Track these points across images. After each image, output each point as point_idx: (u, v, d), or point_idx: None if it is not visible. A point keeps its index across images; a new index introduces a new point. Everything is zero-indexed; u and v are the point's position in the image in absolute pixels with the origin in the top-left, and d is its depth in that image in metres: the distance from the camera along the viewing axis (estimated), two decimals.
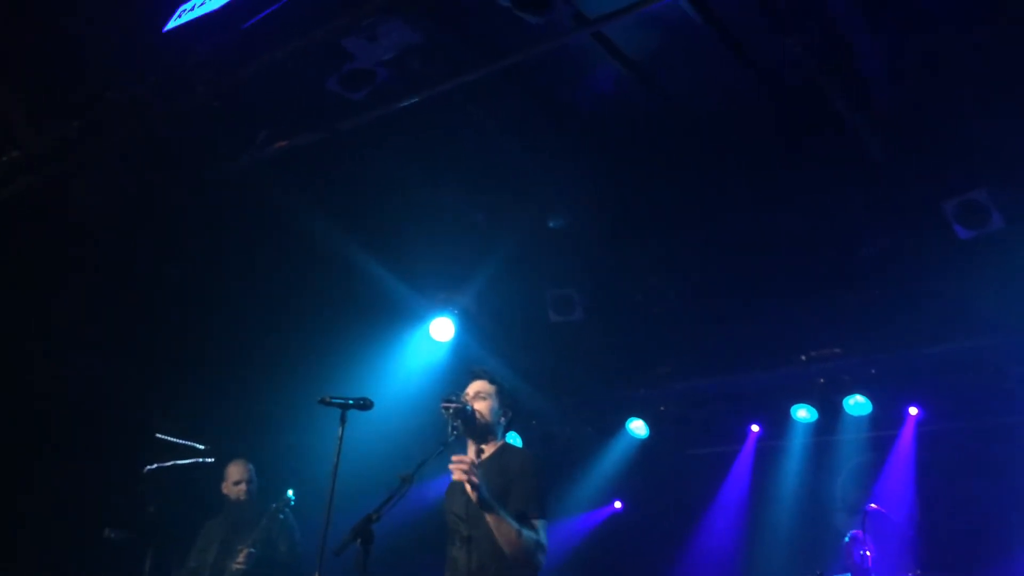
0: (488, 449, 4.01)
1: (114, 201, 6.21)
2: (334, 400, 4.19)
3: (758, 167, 6.21)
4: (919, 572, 6.08)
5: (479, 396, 4.02)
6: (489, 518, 3.65)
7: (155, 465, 7.29)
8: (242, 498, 5.69)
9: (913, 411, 7.76)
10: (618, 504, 9.27)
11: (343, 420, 4.15)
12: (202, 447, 7.35)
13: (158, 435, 7.67)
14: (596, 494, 9.00)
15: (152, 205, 6.34)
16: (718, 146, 6.07)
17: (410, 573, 5.42)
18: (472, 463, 3.62)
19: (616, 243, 7.19)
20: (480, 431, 3.99)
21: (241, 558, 5.33)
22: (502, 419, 4.06)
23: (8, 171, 5.73)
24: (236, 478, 5.74)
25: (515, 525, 3.64)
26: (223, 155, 6.08)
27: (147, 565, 8.16)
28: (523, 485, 3.82)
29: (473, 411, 3.95)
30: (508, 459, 3.94)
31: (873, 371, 7.53)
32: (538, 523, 3.79)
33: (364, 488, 4.45)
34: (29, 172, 5.71)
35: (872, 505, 6.76)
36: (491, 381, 4.10)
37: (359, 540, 3.51)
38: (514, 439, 8.44)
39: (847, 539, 6.82)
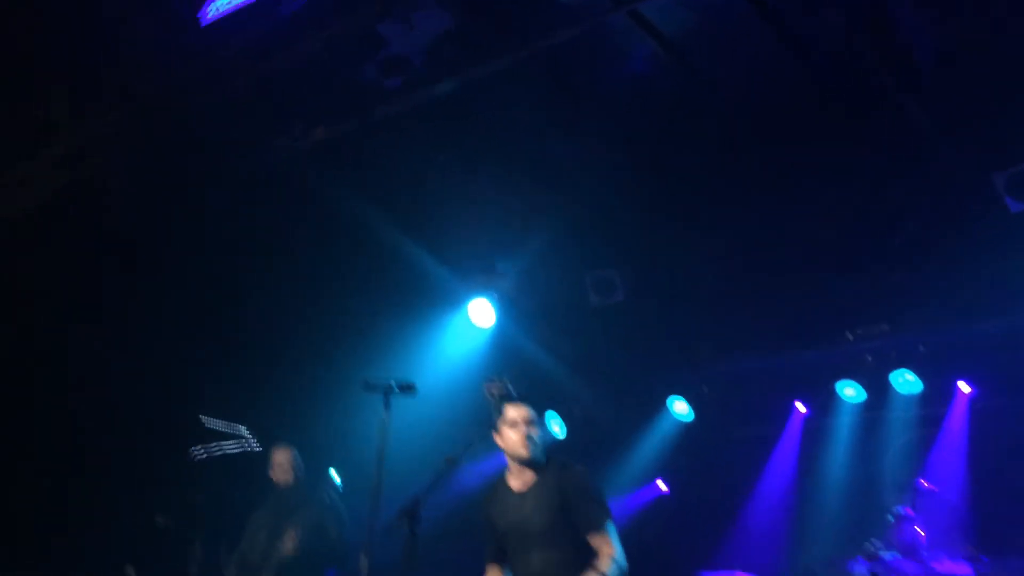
0: (534, 476, 4.01)
1: (154, 191, 6.27)
2: (377, 383, 4.20)
3: (803, 145, 6.12)
4: (972, 550, 5.97)
5: (533, 423, 4.01)
6: None
7: (203, 452, 7.40)
8: (289, 483, 5.74)
9: (965, 388, 7.61)
10: (663, 485, 9.23)
11: (387, 403, 4.17)
12: (247, 433, 7.45)
13: (203, 421, 7.79)
14: (641, 476, 8.97)
15: (192, 194, 6.41)
16: (761, 125, 5.99)
17: (456, 555, 5.43)
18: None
19: (657, 223, 7.13)
20: (536, 459, 3.99)
21: (290, 543, 5.39)
22: (542, 441, 4.08)
23: (51, 165, 5.82)
24: (281, 462, 5.80)
25: None
26: (261, 145, 6.12)
27: (197, 552, 8.31)
28: (584, 496, 3.87)
29: (534, 440, 3.96)
30: (559, 476, 3.96)
31: (922, 348, 7.40)
32: (608, 527, 3.84)
33: (407, 471, 4.47)
34: (70, 167, 5.80)
35: (922, 482, 6.66)
36: (534, 407, 4.08)
37: (407, 522, 3.53)
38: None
39: (895, 517, 6.73)
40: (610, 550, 3.73)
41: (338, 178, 6.51)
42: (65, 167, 5.84)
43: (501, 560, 4.01)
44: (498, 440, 3.98)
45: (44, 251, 6.50)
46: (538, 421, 4.02)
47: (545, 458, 4.04)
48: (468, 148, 6.33)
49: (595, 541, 3.77)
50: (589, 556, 3.78)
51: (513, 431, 3.94)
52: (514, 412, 3.99)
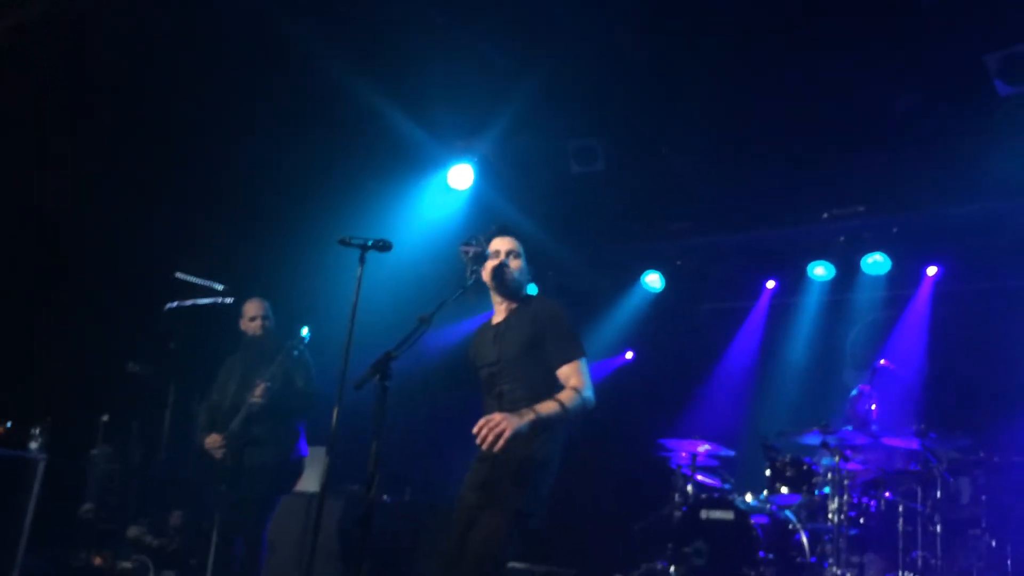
0: (514, 304, 4.02)
1: (125, 32, 6.04)
2: (354, 241, 4.18)
3: (791, 17, 5.95)
4: (922, 427, 6.20)
5: (513, 254, 3.98)
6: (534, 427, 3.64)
7: (176, 304, 7.42)
8: (258, 333, 5.78)
9: (932, 270, 7.75)
10: (629, 355, 9.43)
11: (362, 260, 4.16)
12: (221, 287, 7.45)
13: (178, 275, 7.77)
14: (609, 345, 9.15)
15: (166, 39, 6.18)
16: None
17: (425, 411, 5.58)
18: (493, 423, 3.50)
19: (641, 93, 7.00)
20: (513, 289, 3.99)
21: (259, 392, 5.47)
22: (527, 277, 4.06)
23: None
24: (252, 314, 5.82)
25: (555, 407, 3.64)
26: None
27: (170, 398, 8.43)
28: (557, 331, 3.85)
29: (507, 267, 3.93)
30: (536, 308, 3.95)
31: (895, 230, 7.47)
32: (580, 362, 3.83)
33: (382, 329, 4.50)
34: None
35: (882, 361, 6.85)
36: (520, 239, 4.05)
37: (378, 376, 3.57)
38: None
39: (853, 393, 6.94)
40: (577, 382, 3.75)
41: (318, 32, 6.29)
42: None
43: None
44: (483, 276, 3.98)
45: (16, 85, 6.29)
46: (520, 254, 4.00)
47: (523, 293, 4.03)
48: (452, 1, 6.11)
49: (563, 373, 3.79)
50: (553, 393, 3.80)
51: (491, 261, 3.95)
52: (496, 243, 4.00)
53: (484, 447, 3.49)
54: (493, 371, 3.91)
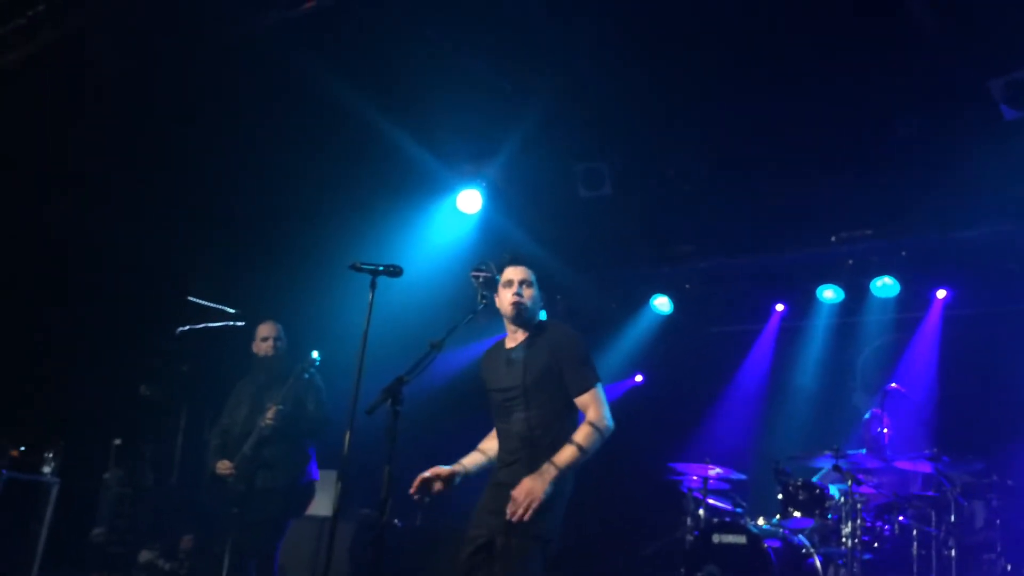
0: (528, 331, 4.05)
1: (133, 60, 6.13)
2: (365, 266, 4.23)
3: (798, 43, 6.00)
4: (935, 451, 6.18)
5: (526, 284, 4.02)
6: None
7: (188, 327, 7.48)
8: (270, 354, 5.82)
9: (941, 294, 7.75)
10: (639, 377, 9.43)
11: (373, 286, 4.20)
12: (233, 311, 7.51)
13: (190, 298, 7.84)
14: (619, 368, 9.16)
15: (173, 67, 6.27)
16: (756, 20, 5.85)
17: (437, 435, 5.59)
18: (520, 498, 3.64)
19: (648, 117, 7.05)
20: (527, 318, 4.02)
21: (270, 415, 5.50)
22: (540, 305, 4.09)
23: (33, 26, 5.67)
24: (265, 335, 5.88)
25: (575, 454, 3.73)
26: (244, 14, 5.96)
27: (181, 422, 8.47)
28: (574, 359, 3.90)
29: (522, 298, 3.96)
30: (552, 336, 3.99)
31: (904, 253, 7.48)
32: (597, 388, 3.89)
33: (393, 355, 4.54)
34: (52, 26, 5.65)
35: (892, 384, 6.83)
36: (532, 267, 4.09)
37: (389, 401, 3.61)
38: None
39: (867, 416, 6.93)
40: (595, 413, 3.81)
41: (326, 57, 6.37)
42: (46, 28, 5.70)
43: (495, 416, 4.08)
44: (497, 302, 4.02)
45: (30, 108, 6.38)
46: (532, 283, 4.03)
47: (538, 320, 4.07)
48: (456, 27, 6.18)
49: (582, 402, 3.86)
50: (569, 420, 3.87)
51: (506, 290, 3.99)
52: (510, 272, 4.04)
53: (515, 520, 3.59)
54: (509, 397, 3.93)
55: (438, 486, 3.92)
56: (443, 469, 3.95)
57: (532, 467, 3.72)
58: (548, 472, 3.66)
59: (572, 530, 8.05)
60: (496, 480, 3.89)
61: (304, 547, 6.87)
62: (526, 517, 3.58)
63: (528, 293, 3.99)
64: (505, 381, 3.96)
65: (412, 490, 3.90)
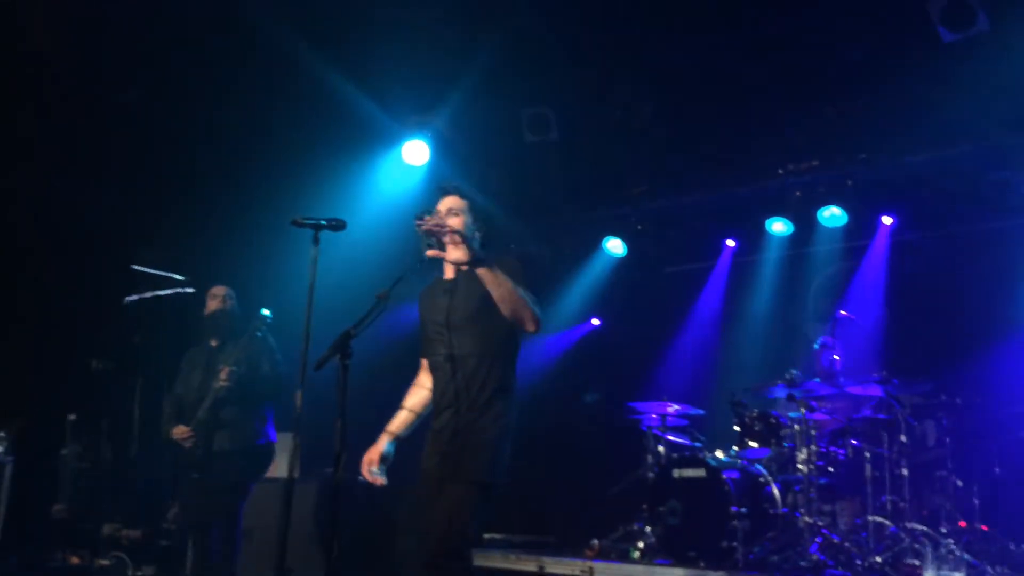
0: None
1: (73, 17, 5.92)
2: (306, 221, 4.14)
3: None
4: (884, 374, 6.31)
5: (452, 212, 3.91)
6: (481, 272, 3.60)
7: (136, 297, 7.33)
8: (221, 308, 5.75)
9: (887, 220, 7.85)
10: (596, 321, 9.48)
11: (316, 240, 4.11)
12: (181, 278, 7.37)
13: (135, 267, 7.67)
14: (575, 313, 9.19)
15: (112, 22, 6.07)
16: None
17: (387, 389, 5.56)
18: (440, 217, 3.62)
19: (591, 59, 6.99)
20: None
21: (224, 376, 5.44)
22: (476, 234, 3.98)
23: None
24: (215, 293, 5.82)
25: (508, 278, 3.61)
26: None
27: (137, 393, 8.35)
28: (515, 282, 3.69)
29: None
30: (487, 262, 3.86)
31: (850, 183, 7.54)
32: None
33: (342, 309, 4.47)
34: None
35: (842, 312, 6.94)
36: (462, 196, 3.98)
37: (338, 355, 3.56)
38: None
39: (817, 346, 7.04)
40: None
41: (269, 8, 6.20)
42: None
43: (428, 354, 3.97)
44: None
45: None
46: (462, 212, 3.91)
47: (474, 250, 3.76)
48: None
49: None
50: (507, 359, 3.81)
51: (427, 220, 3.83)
52: (439, 205, 3.94)
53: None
54: (442, 330, 3.84)
55: (377, 467, 3.88)
56: (374, 451, 3.90)
57: (468, 407, 3.68)
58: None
59: (536, 474, 8.17)
60: (436, 426, 3.83)
61: (269, 510, 6.83)
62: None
63: (456, 220, 3.86)
64: (439, 315, 3.87)
65: (367, 479, 3.87)
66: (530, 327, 3.69)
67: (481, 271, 3.61)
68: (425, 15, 6.45)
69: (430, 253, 3.66)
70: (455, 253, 3.60)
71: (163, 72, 6.56)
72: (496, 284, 3.61)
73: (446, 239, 3.62)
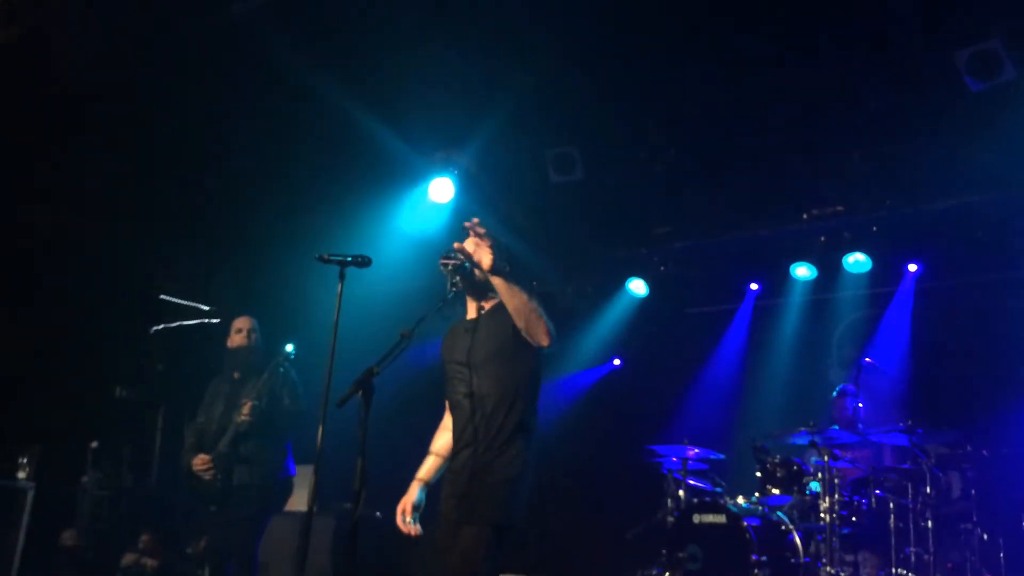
0: (488, 304, 3.99)
1: (98, 53, 6.05)
2: (332, 257, 4.17)
3: (764, 20, 6.01)
4: (909, 423, 6.23)
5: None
6: (498, 281, 3.62)
7: (161, 326, 7.40)
8: (245, 344, 5.78)
9: (912, 267, 7.80)
10: (617, 361, 9.45)
11: (342, 277, 4.14)
12: (207, 308, 7.44)
13: (163, 297, 7.76)
14: (597, 352, 9.17)
15: (141, 62, 6.19)
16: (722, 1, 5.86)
17: (409, 426, 5.56)
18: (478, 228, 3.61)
19: (617, 100, 7.04)
20: (480, 286, 3.90)
21: (245, 411, 5.46)
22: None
23: None
24: (239, 327, 5.84)
25: (525, 289, 3.62)
26: (213, 3, 5.90)
27: (159, 422, 8.39)
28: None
29: (472, 267, 3.88)
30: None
31: (874, 228, 7.52)
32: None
33: (365, 345, 4.50)
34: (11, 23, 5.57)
35: (866, 359, 6.88)
36: (489, 235, 4.01)
37: (360, 392, 3.57)
38: None
39: (835, 393, 6.98)
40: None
41: (293, 46, 6.31)
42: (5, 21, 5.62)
43: (450, 393, 3.95)
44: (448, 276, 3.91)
45: None
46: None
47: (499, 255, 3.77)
48: (428, 16, 6.15)
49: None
50: (527, 399, 3.78)
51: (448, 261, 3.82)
52: (467, 243, 3.87)
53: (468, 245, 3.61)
54: (463, 369, 3.82)
55: (411, 516, 3.88)
56: (407, 500, 3.90)
57: (486, 448, 3.66)
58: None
59: (554, 515, 8.10)
60: (454, 467, 3.81)
61: (285, 543, 6.84)
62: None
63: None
64: (460, 354, 3.85)
65: (402, 528, 3.87)
66: (544, 341, 3.68)
67: (497, 280, 3.64)
68: (453, 53, 6.53)
69: (457, 246, 3.73)
70: (481, 253, 3.65)
71: (190, 107, 6.66)
72: (511, 295, 3.64)
73: (475, 241, 3.66)
